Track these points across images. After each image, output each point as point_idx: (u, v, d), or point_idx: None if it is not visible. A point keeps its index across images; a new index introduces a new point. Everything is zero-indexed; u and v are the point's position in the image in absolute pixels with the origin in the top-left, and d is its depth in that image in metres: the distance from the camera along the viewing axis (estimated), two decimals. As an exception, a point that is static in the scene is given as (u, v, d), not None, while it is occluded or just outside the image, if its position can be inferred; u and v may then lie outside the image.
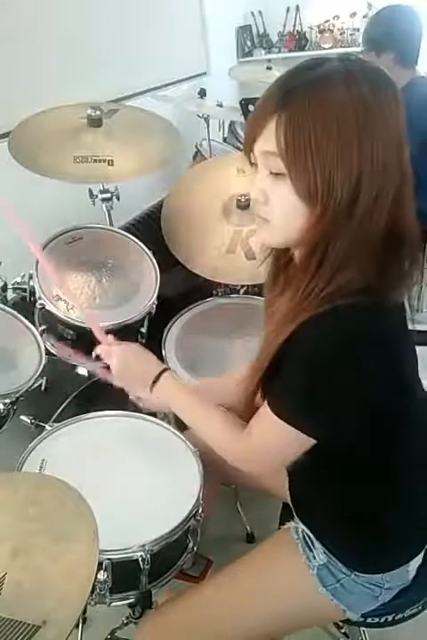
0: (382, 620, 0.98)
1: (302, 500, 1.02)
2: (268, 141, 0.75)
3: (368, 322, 0.75)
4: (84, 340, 1.40)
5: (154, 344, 1.53)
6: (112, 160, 1.43)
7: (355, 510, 0.92)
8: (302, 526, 1.00)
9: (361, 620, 0.97)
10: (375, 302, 0.74)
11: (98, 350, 1.11)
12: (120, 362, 1.07)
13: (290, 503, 1.06)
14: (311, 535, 0.97)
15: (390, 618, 0.98)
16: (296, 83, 0.73)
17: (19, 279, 1.45)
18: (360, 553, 0.93)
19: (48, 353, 1.38)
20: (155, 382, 1.03)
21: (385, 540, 0.92)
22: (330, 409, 0.78)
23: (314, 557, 0.95)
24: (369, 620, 0.98)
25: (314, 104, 0.70)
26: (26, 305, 1.45)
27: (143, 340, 1.53)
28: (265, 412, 0.83)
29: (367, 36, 2.10)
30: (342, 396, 0.77)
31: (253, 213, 0.82)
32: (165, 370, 1.05)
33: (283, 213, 0.77)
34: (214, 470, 1.20)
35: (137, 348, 1.11)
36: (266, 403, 0.84)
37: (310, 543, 0.97)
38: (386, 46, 2.00)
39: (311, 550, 0.96)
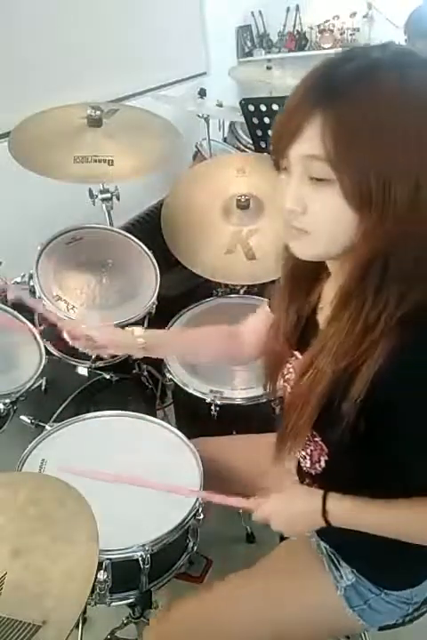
0: (384, 624, 0.96)
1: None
2: (309, 144, 0.65)
3: None
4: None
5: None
6: (112, 160, 1.43)
7: None
8: (324, 543, 0.96)
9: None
10: None
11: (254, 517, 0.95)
12: (276, 519, 0.90)
13: None
14: (337, 554, 0.94)
15: (400, 621, 0.96)
16: (340, 75, 0.63)
17: (19, 279, 1.45)
18: (389, 569, 0.89)
19: (48, 353, 1.38)
20: (326, 516, 0.82)
21: (412, 552, 0.85)
22: None
23: (341, 577, 0.92)
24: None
25: (365, 97, 0.62)
26: (26, 305, 1.45)
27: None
28: None
29: (416, 26, 2.11)
30: None
31: (289, 225, 0.72)
32: (324, 498, 0.83)
33: (328, 223, 0.68)
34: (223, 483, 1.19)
35: (281, 495, 0.92)
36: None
37: (335, 562, 0.93)
38: None
39: (338, 569, 0.93)
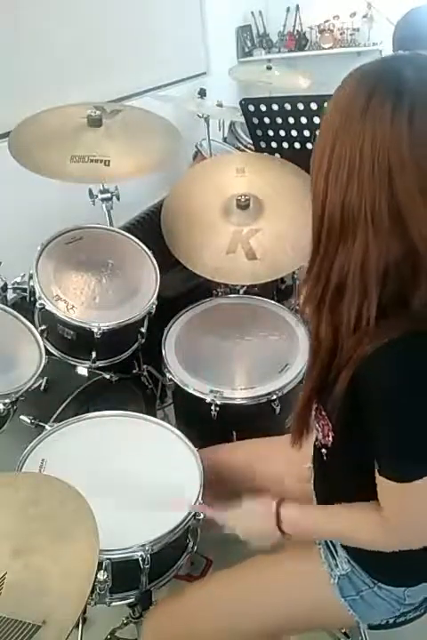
0: (383, 622, 0.96)
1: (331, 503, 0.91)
2: None
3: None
4: (83, 341, 1.41)
5: (154, 344, 1.54)
6: (109, 160, 1.43)
7: None
8: None
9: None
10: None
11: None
12: (239, 527, 1.00)
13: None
14: (335, 541, 0.94)
15: (391, 621, 0.96)
16: None
17: (19, 279, 1.45)
18: (387, 562, 0.88)
19: (48, 353, 1.38)
20: (280, 525, 0.93)
21: (415, 551, 0.85)
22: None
23: (336, 566, 0.93)
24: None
25: None
26: (26, 305, 1.45)
27: (143, 340, 1.53)
28: (386, 485, 0.75)
29: (400, 37, 2.09)
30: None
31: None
32: (278, 505, 0.93)
33: None
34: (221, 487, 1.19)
35: (245, 506, 0.99)
36: (379, 475, 0.76)
37: (332, 550, 0.94)
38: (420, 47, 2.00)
39: (334, 558, 0.94)
